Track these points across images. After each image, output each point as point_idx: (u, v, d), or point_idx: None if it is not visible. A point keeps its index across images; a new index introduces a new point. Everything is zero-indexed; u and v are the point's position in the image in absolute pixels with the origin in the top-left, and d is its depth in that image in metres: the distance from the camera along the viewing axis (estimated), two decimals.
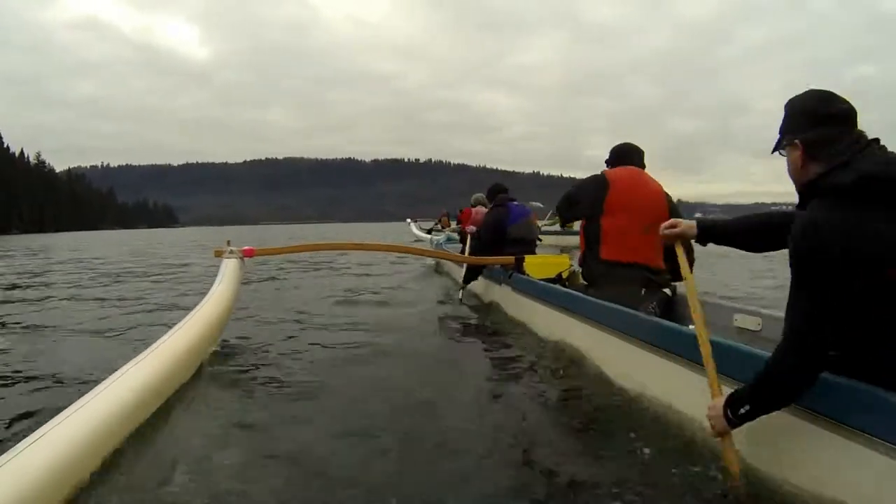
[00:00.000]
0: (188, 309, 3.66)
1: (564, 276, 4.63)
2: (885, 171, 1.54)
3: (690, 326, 2.19)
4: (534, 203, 14.89)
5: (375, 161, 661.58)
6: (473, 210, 8.76)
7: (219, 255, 4.52)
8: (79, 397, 2.05)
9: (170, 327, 3.18)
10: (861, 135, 1.69)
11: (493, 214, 5.84)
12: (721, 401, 1.78)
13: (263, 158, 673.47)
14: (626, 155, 3.62)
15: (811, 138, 1.72)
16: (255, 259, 4.77)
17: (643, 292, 3.29)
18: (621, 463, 2.07)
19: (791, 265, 1.62)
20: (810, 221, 1.58)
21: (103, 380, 2.20)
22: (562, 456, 2.16)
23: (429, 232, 15.18)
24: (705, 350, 1.96)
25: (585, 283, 3.61)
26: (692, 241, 2.36)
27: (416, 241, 14.10)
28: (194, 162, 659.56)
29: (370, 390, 3.06)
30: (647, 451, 2.12)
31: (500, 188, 6.13)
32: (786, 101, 1.85)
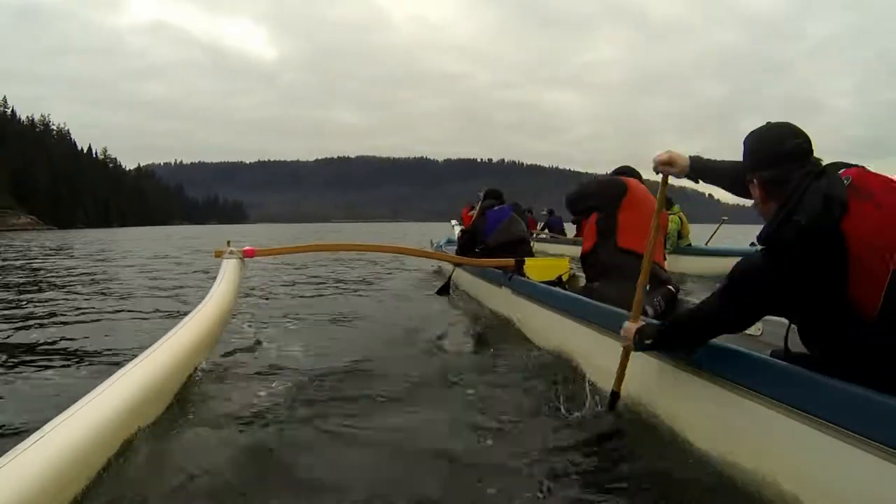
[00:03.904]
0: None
1: (564, 278, 4.65)
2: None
3: None
4: None
5: (448, 161, 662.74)
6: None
7: (219, 255, 4.53)
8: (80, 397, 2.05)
9: (170, 328, 3.19)
10: (810, 171, 1.69)
11: (472, 224, 5.96)
12: (635, 326, 2.25)
13: (335, 157, 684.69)
14: (628, 173, 3.87)
15: (766, 178, 1.81)
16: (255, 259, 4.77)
17: (647, 287, 3.15)
18: (619, 465, 2.10)
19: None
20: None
21: (103, 381, 2.18)
22: (563, 464, 2.15)
23: None
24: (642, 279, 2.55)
25: (589, 277, 3.66)
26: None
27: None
28: (266, 160, 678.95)
29: (366, 390, 3.07)
30: (647, 455, 2.14)
31: (491, 193, 6.18)
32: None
